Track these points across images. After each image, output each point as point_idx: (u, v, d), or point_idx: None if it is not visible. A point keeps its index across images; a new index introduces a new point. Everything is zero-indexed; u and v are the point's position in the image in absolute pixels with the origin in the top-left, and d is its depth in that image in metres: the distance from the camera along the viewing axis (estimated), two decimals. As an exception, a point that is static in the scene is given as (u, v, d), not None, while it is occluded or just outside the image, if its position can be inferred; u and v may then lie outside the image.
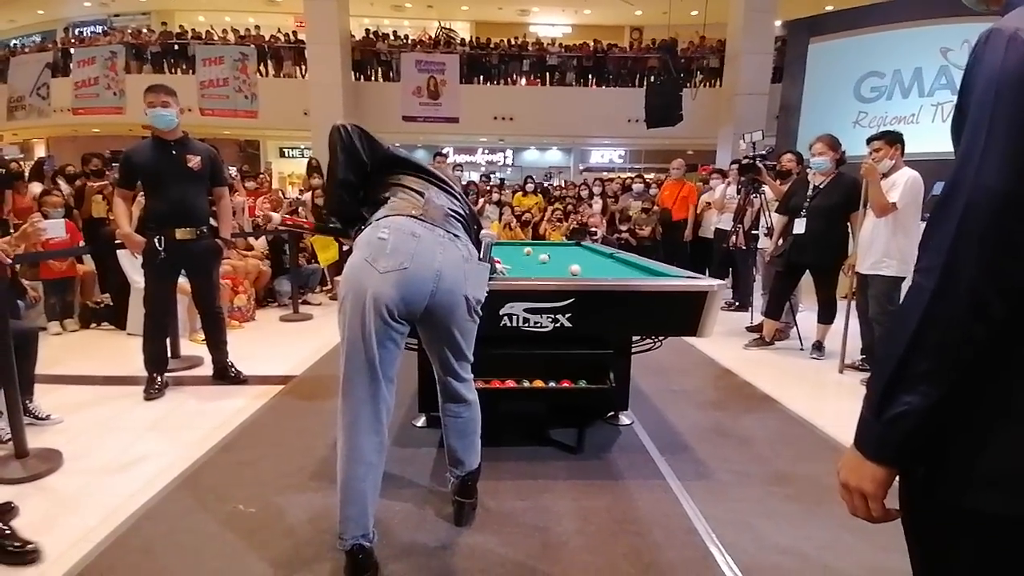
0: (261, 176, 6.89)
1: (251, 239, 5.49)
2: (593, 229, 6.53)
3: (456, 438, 1.82)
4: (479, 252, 1.68)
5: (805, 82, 8.57)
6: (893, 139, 3.28)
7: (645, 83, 10.96)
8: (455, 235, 1.59)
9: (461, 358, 1.73)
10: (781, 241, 4.02)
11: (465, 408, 1.81)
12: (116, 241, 4.07)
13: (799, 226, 3.79)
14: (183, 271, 3.16)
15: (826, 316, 3.88)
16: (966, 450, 0.66)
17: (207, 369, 3.34)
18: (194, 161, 3.00)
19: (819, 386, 3.41)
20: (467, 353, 1.74)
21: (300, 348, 3.92)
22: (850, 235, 3.74)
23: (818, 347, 3.95)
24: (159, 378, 3.03)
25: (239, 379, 3.23)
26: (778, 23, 10.56)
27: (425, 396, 2.48)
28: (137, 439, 2.49)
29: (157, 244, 2.94)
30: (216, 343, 3.24)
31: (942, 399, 0.64)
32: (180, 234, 2.97)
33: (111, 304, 4.54)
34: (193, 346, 3.82)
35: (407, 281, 1.46)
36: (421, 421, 2.57)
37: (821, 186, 3.77)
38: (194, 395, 3.05)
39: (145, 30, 14.07)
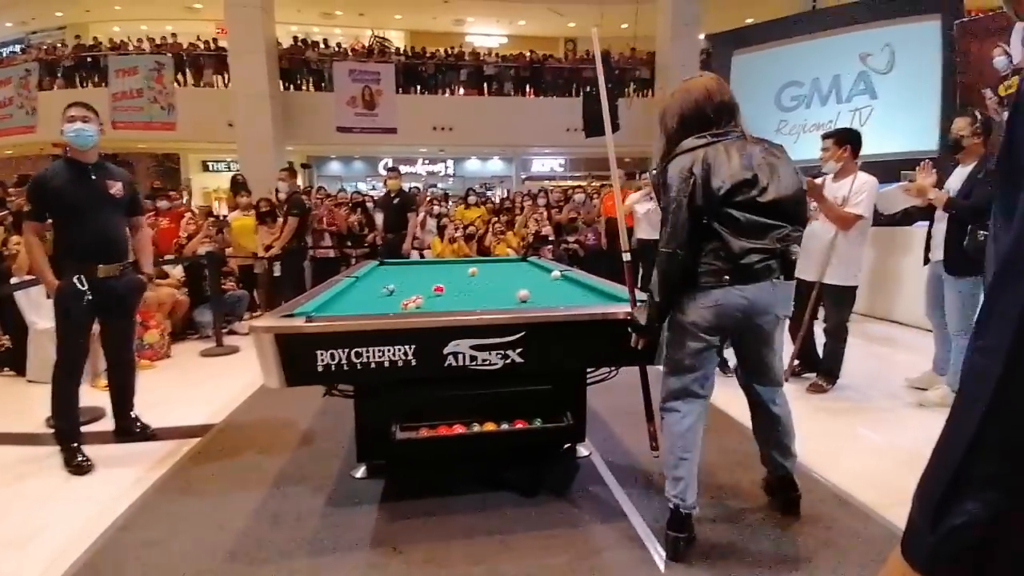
0: (172, 193, 6.30)
1: (166, 267, 4.99)
2: (548, 236, 6.47)
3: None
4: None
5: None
6: (842, 139, 3.17)
7: (581, 93, 11.07)
8: (777, 276, 1.70)
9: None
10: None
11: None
12: (12, 279, 3.57)
13: None
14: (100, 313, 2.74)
15: None
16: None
17: (111, 421, 2.91)
18: (115, 187, 2.63)
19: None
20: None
21: (223, 388, 3.53)
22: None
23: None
24: (79, 445, 2.59)
25: (147, 434, 2.83)
26: (702, 36, 10.97)
27: (364, 444, 2.23)
28: (30, 512, 2.12)
29: (79, 284, 2.52)
30: (124, 397, 2.84)
31: (1012, 508, 0.51)
32: (103, 271, 2.58)
33: (10, 347, 3.96)
34: (95, 393, 3.35)
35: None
36: (360, 472, 2.30)
37: None
38: (94, 456, 2.63)
39: (60, 45, 13.11)
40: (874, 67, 7.06)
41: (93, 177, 2.57)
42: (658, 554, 1.79)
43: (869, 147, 6.51)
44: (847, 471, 2.36)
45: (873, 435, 2.80)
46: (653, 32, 11.15)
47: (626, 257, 2.11)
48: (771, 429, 1.97)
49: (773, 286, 1.68)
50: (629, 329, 1.85)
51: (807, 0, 10.67)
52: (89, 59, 11.97)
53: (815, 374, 3.44)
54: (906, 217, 5.19)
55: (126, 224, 2.76)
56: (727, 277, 1.65)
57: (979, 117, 2.91)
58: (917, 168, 3.21)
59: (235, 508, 2.11)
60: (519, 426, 2.04)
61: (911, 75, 6.72)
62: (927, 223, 3.24)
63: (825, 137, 3.28)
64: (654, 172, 2.15)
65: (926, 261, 3.23)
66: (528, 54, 13.68)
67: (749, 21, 11.29)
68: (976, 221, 2.76)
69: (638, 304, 1.89)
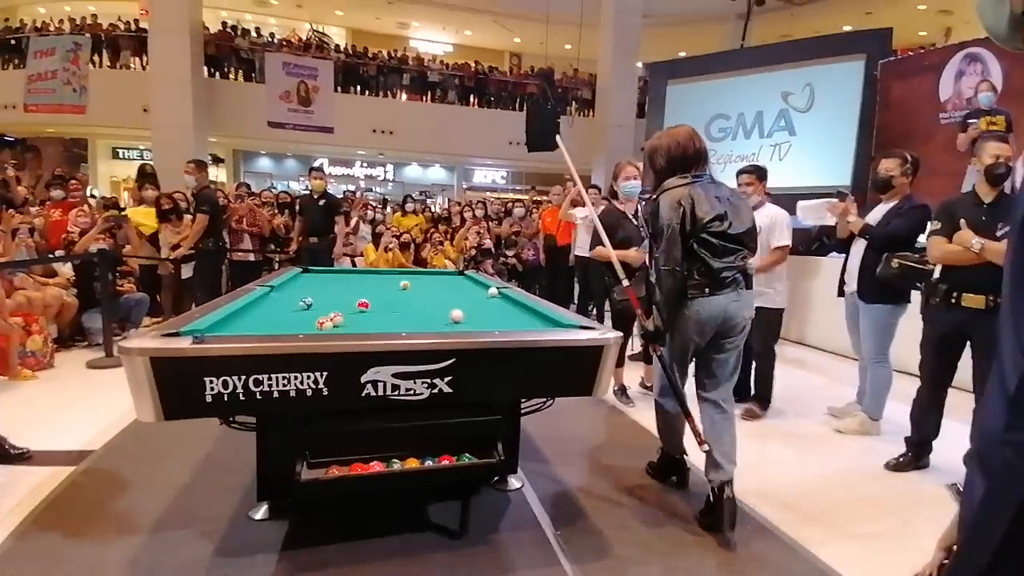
0: (73, 182, 5.58)
1: (55, 264, 4.38)
2: (491, 249, 6.33)
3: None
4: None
5: (665, 119, 9.21)
6: (762, 175, 3.36)
7: (525, 107, 11.10)
8: (741, 288, 2.11)
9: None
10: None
11: None
12: None
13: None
14: None
15: (641, 353, 3.78)
16: None
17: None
18: None
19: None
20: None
21: (109, 407, 3.05)
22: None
23: (623, 391, 3.60)
24: None
25: (22, 457, 2.44)
26: (640, 64, 11.34)
27: (266, 481, 1.95)
28: None
29: None
30: None
31: None
32: None
33: None
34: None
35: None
36: (261, 512, 2.01)
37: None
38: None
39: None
40: (794, 105, 7.51)
41: None
42: (590, 604, 1.66)
43: (786, 181, 6.91)
44: (774, 500, 2.34)
45: (797, 462, 2.83)
46: (595, 55, 11.41)
47: (625, 283, 2.34)
48: (722, 427, 2.14)
49: (739, 295, 2.09)
50: (643, 339, 2.27)
51: (736, 38, 11.29)
52: (13, 41, 11.17)
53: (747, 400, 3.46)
54: (821, 247, 5.51)
55: None
56: (707, 289, 2.06)
57: (908, 158, 3.05)
58: (847, 197, 3.38)
59: (109, 555, 1.77)
60: (445, 463, 1.85)
61: (829, 114, 7.19)
62: (843, 255, 3.37)
63: (743, 172, 3.41)
64: (643, 204, 2.52)
65: (840, 293, 3.36)
66: (473, 64, 13.60)
67: (681, 54, 11.82)
68: (891, 249, 2.90)
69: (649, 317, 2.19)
